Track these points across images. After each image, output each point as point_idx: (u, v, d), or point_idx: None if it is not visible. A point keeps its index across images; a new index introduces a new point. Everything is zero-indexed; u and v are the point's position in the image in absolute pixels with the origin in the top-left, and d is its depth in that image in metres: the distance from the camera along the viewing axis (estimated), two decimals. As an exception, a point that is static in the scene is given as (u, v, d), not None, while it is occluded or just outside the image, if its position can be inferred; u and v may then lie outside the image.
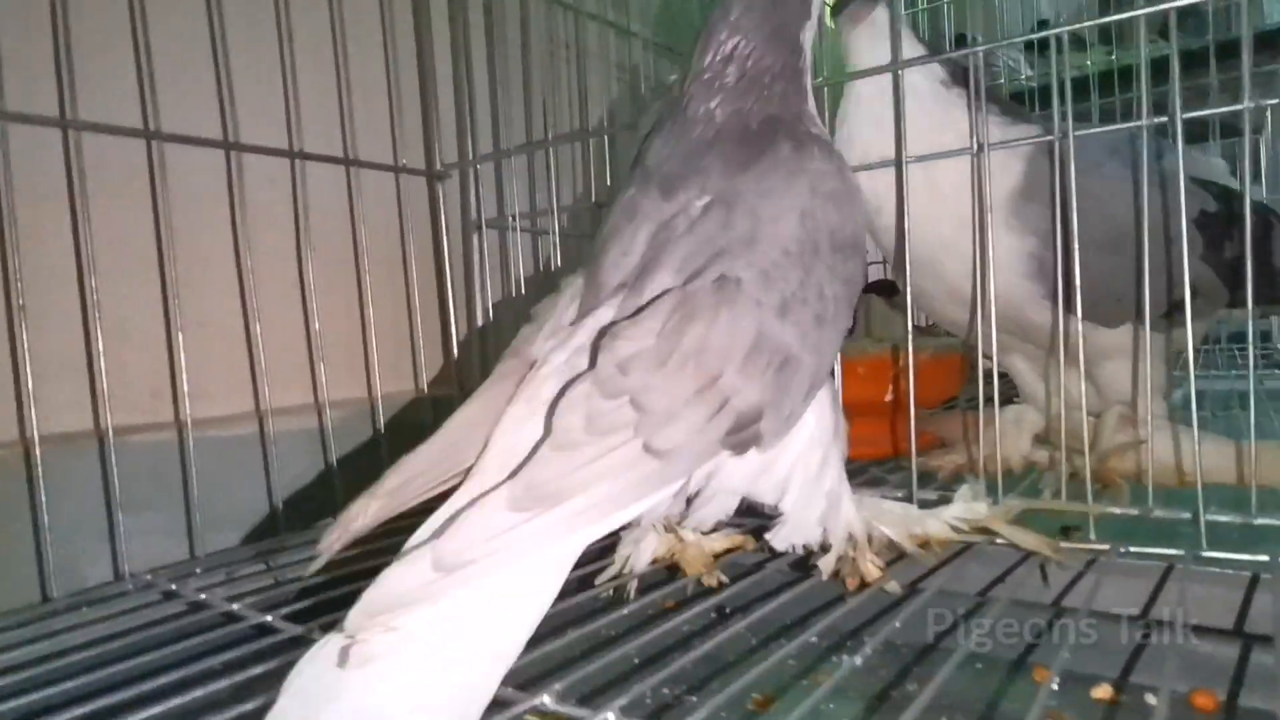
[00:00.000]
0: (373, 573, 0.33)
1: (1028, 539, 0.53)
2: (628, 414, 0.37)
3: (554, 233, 0.84)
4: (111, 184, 0.65)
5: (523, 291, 0.87)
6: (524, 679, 0.39)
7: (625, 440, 0.36)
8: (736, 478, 0.46)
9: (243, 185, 0.71)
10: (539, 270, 0.94)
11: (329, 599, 0.53)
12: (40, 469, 0.57)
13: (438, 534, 0.33)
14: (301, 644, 0.45)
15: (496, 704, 0.34)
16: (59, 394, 0.63)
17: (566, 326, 0.45)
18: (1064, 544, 0.54)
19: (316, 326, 0.75)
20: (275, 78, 0.76)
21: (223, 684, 0.41)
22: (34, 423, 0.57)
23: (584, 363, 0.41)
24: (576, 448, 0.36)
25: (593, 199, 0.85)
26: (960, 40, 1.80)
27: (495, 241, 0.90)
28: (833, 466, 0.49)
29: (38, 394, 0.57)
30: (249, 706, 0.36)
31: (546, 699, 0.37)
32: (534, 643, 0.35)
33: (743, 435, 0.41)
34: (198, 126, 0.69)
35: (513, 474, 0.35)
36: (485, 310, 0.89)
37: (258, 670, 0.41)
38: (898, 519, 0.53)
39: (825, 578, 0.52)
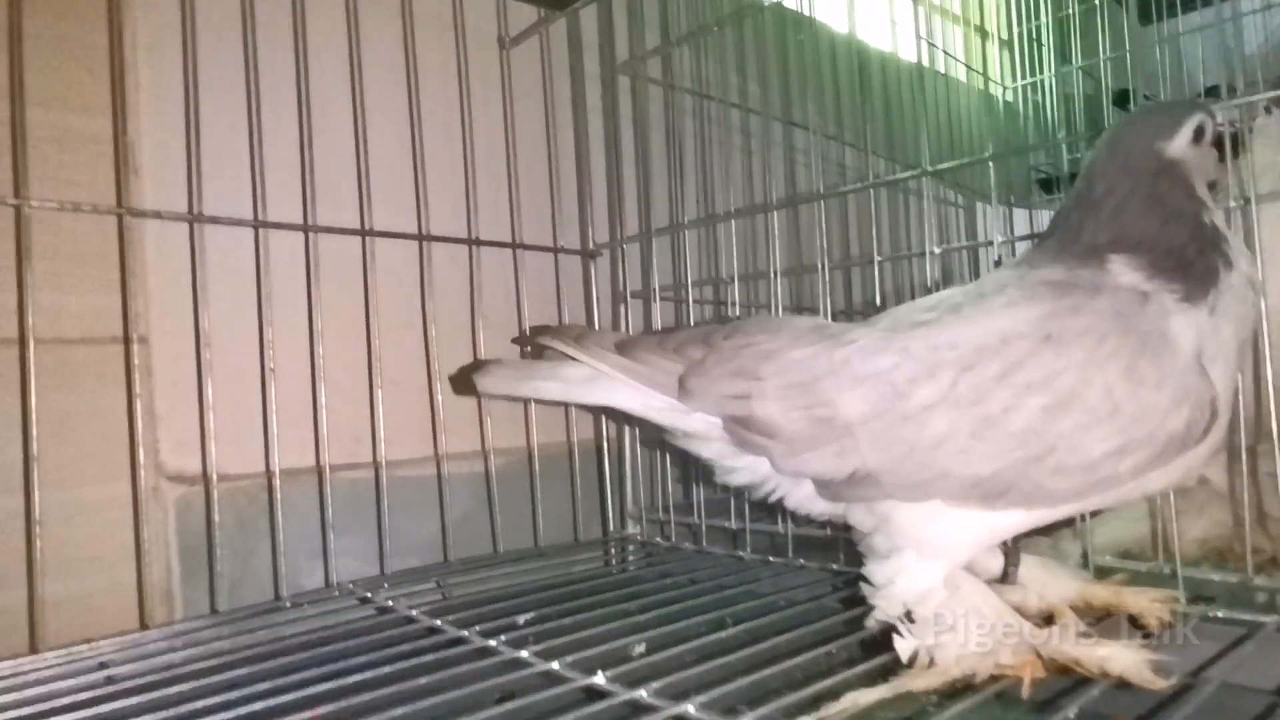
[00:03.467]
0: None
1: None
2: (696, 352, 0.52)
3: (688, 302, 0.95)
4: (336, 273, 0.82)
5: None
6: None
7: (675, 364, 0.53)
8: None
9: (431, 269, 0.87)
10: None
11: (483, 611, 0.65)
12: (279, 496, 0.73)
13: None
14: (461, 643, 0.58)
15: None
16: (291, 437, 0.79)
17: None
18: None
19: (485, 385, 0.89)
20: (459, 177, 0.92)
21: (401, 665, 0.53)
22: (276, 459, 0.74)
23: None
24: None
25: (720, 274, 0.95)
26: (1122, 96, 1.77)
27: (640, 310, 1.01)
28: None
29: (277, 437, 0.74)
30: (421, 681, 0.48)
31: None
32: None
33: (744, 433, 0.50)
34: (397, 223, 0.86)
35: None
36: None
37: (429, 658, 0.54)
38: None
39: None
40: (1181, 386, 0.44)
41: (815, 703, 0.43)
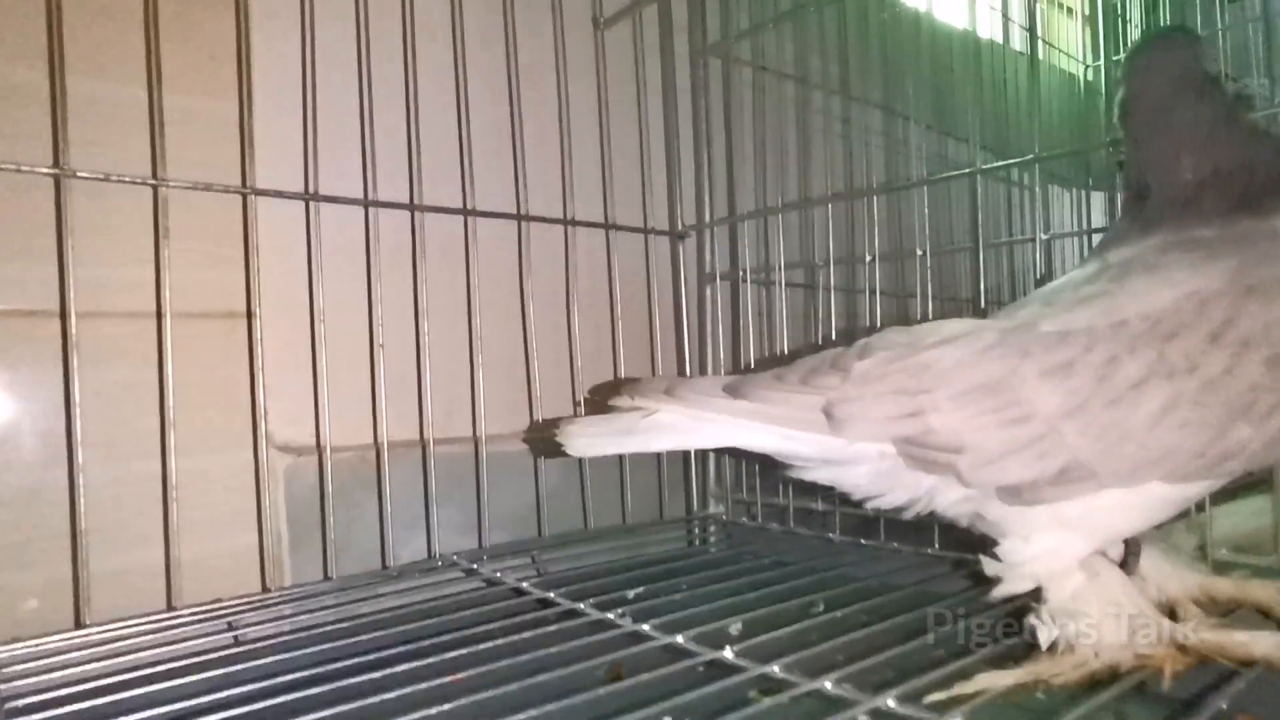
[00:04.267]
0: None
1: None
2: (831, 380, 0.48)
3: (780, 285, 0.95)
4: (438, 253, 0.84)
5: (749, 333, 0.98)
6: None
7: (811, 397, 0.48)
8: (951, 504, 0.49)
9: (529, 250, 0.88)
10: (763, 315, 1.04)
11: (588, 586, 0.67)
12: (386, 468, 0.76)
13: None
14: (576, 615, 0.59)
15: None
16: (391, 410, 0.81)
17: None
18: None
19: (579, 363, 0.91)
20: (554, 158, 0.93)
21: (526, 635, 0.55)
22: (385, 432, 0.76)
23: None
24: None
25: (813, 257, 0.94)
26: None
27: (727, 291, 1.02)
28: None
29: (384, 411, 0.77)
30: (552, 650, 0.50)
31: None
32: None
33: (925, 451, 0.46)
34: (495, 203, 0.87)
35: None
36: (715, 349, 1.01)
37: (551, 629, 0.55)
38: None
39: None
40: None
41: (949, 683, 0.44)
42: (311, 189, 0.75)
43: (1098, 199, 1.53)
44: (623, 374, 0.95)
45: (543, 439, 0.58)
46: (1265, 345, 0.42)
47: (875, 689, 0.43)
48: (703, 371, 1.02)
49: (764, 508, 0.95)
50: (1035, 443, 0.44)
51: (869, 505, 0.53)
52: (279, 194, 0.74)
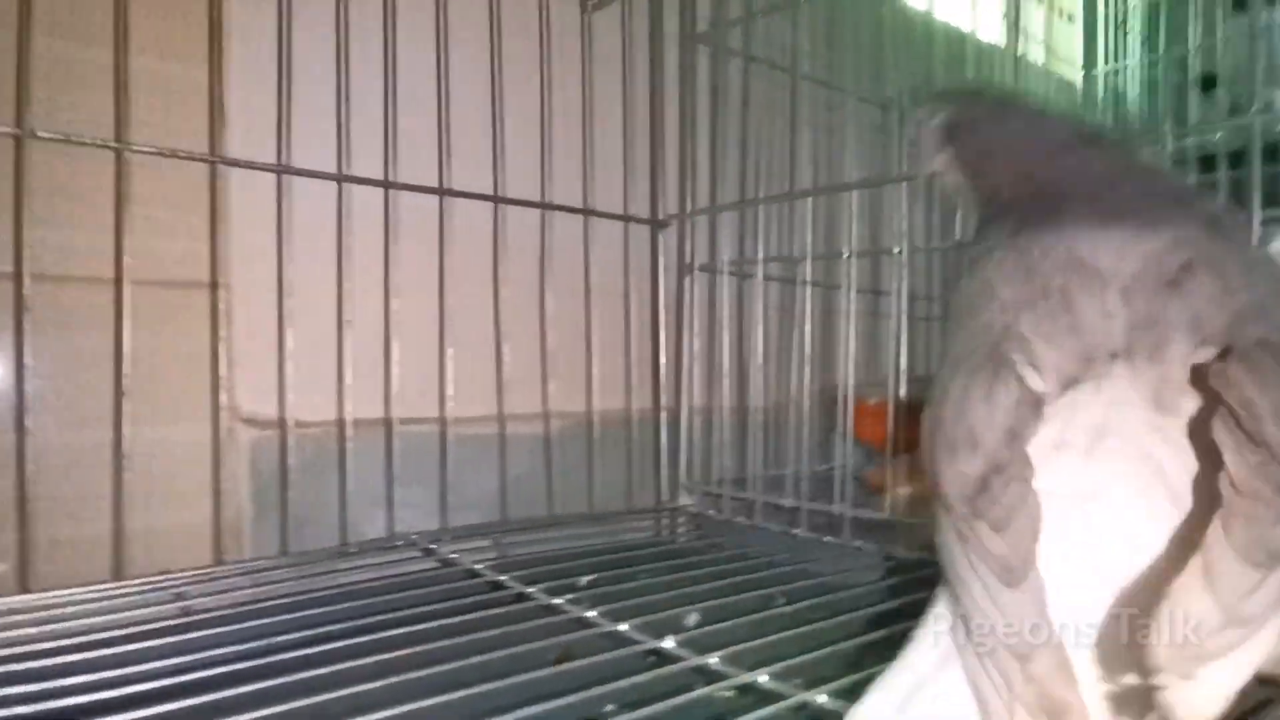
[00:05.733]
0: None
1: None
2: None
3: (759, 278, 0.94)
4: (412, 232, 0.83)
5: (725, 327, 0.97)
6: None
7: None
8: None
9: (507, 232, 0.88)
10: (741, 310, 1.04)
11: (543, 571, 0.66)
12: (350, 445, 0.75)
13: None
14: (525, 599, 0.59)
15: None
16: (359, 388, 0.80)
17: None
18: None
19: (551, 349, 0.90)
20: (534, 141, 0.92)
21: (469, 618, 0.54)
22: (350, 410, 0.76)
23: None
24: None
25: (793, 251, 0.94)
26: (1209, 81, 1.71)
27: (705, 283, 1.01)
28: None
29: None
30: (491, 633, 0.49)
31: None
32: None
33: None
34: (472, 184, 0.87)
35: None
36: (690, 341, 1.01)
37: (496, 612, 0.55)
38: None
39: None
40: None
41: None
42: (284, 161, 0.74)
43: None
44: (595, 364, 0.94)
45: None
46: None
47: (810, 684, 0.42)
48: (678, 364, 1.01)
49: (732, 502, 0.94)
50: None
51: None
52: (249, 164, 0.73)
